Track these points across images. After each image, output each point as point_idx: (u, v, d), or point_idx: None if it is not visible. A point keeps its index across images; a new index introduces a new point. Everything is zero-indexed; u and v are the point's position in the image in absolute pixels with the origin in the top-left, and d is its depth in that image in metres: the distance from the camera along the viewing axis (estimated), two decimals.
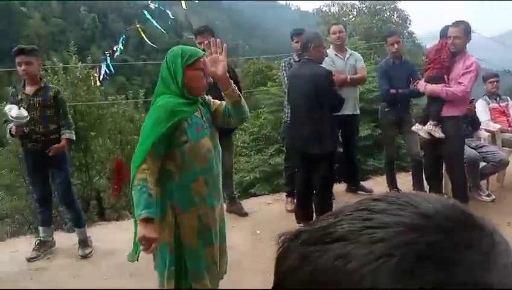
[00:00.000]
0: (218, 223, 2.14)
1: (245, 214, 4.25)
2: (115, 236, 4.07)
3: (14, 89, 3.70)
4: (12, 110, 3.28)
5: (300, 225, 3.82)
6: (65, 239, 3.93)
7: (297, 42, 4.25)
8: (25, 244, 3.84)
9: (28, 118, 3.34)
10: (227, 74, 2.05)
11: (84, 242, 3.69)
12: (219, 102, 2.25)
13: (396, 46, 4.45)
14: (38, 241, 3.67)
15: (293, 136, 3.85)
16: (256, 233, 3.86)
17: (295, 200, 4.26)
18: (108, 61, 7.43)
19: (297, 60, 4.23)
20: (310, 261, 0.36)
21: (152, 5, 6.00)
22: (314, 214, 3.81)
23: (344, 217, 0.39)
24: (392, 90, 4.37)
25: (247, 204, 4.61)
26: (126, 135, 8.12)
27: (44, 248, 3.67)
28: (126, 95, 9.16)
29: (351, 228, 0.36)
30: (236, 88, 2.10)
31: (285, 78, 4.16)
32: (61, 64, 8.07)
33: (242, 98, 2.11)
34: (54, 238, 3.81)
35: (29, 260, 3.53)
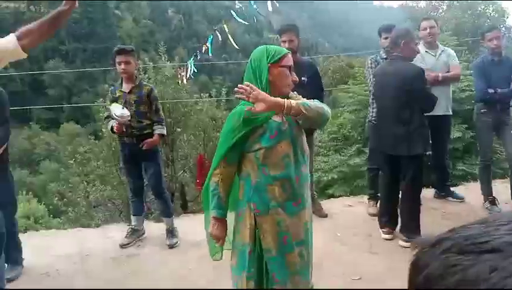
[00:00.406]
0: (303, 231, 2.03)
1: (325, 215, 4.19)
2: (197, 229, 4.22)
3: (112, 87, 3.98)
4: (117, 110, 3.55)
5: (384, 230, 3.68)
6: (154, 228, 4.18)
7: (385, 38, 4.08)
8: (118, 231, 4.14)
9: (130, 118, 3.60)
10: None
11: (171, 232, 3.89)
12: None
13: (495, 42, 4.09)
14: (130, 229, 3.95)
15: (379, 136, 3.70)
16: (336, 236, 3.78)
17: (378, 204, 4.12)
18: (194, 61, 7.74)
19: (385, 57, 4.07)
20: (457, 270, 0.34)
21: (238, 4, 6.11)
22: (399, 220, 3.64)
23: (499, 227, 0.35)
24: (490, 90, 4.02)
25: (327, 205, 4.54)
26: (209, 131, 8.44)
27: (136, 235, 3.93)
28: (210, 93, 9.50)
29: (510, 239, 0.33)
30: (294, 104, 1.88)
31: (372, 76, 4.01)
32: (151, 63, 8.60)
33: (306, 110, 1.88)
34: (144, 227, 4.07)
35: (122, 246, 3.80)
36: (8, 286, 3.13)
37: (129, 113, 3.59)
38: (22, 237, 3.56)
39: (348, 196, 5.62)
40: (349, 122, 8.24)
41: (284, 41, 3.94)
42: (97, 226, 5.00)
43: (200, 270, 3.31)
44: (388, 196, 3.72)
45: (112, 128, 3.70)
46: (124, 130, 3.67)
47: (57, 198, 8.74)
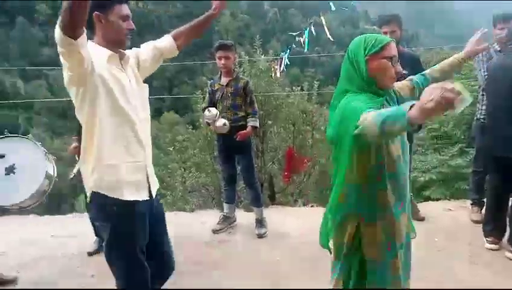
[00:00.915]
0: (405, 233, 1.91)
1: (422, 219, 3.95)
2: (286, 220, 4.29)
3: (211, 80, 4.14)
4: (218, 122, 3.74)
5: (488, 239, 3.36)
6: (244, 217, 4.31)
7: (501, 29, 3.69)
8: (211, 217, 4.34)
9: (228, 130, 3.75)
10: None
11: (260, 222, 3.99)
12: (404, 84, 2.06)
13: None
14: (222, 216, 4.12)
15: (489, 136, 3.36)
16: (433, 241, 3.55)
17: (483, 210, 3.77)
18: (288, 54, 7.78)
19: (499, 50, 3.68)
20: None
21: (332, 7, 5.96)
22: (508, 229, 3.29)
23: None
24: None
25: (424, 208, 4.28)
26: (299, 125, 8.42)
27: (227, 222, 4.10)
28: (301, 86, 9.46)
29: None
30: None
31: (483, 71, 3.66)
32: (247, 57, 8.80)
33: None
34: (235, 215, 4.22)
35: (215, 231, 3.99)
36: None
37: (228, 126, 3.74)
38: None
39: (448, 199, 5.22)
40: (452, 119, 7.65)
41: (386, 33, 3.75)
42: (191, 211, 5.29)
43: (287, 261, 3.35)
44: (496, 202, 3.38)
45: (207, 123, 3.90)
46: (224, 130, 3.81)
47: None
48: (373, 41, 1.79)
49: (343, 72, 1.86)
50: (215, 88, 3.95)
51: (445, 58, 2.31)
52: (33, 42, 75.71)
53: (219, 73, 4.01)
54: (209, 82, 4.21)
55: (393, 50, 1.81)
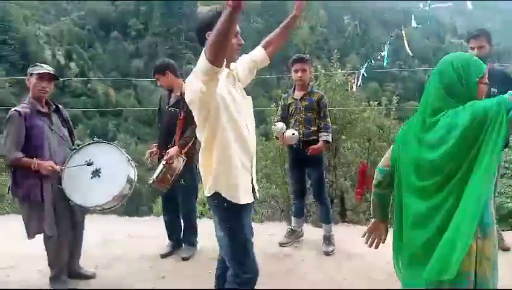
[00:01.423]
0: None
1: (507, 249, 3.61)
2: (355, 240, 4.14)
3: (285, 94, 4.17)
4: (287, 132, 3.76)
5: None
6: (311, 232, 4.25)
7: (472, 48, 3.45)
8: (279, 229, 4.35)
9: (297, 141, 3.76)
10: None
11: (328, 239, 3.91)
12: None
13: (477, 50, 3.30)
14: (289, 230, 4.11)
15: None
16: None
17: None
18: (365, 69, 7.61)
19: None
20: None
21: (424, 7, 5.71)
22: None
23: None
24: None
25: (508, 236, 3.91)
26: (375, 140, 8.15)
27: (294, 236, 4.08)
28: (379, 101, 9.18)
29: None
30: None
31: None
32: (323, 70, 8.75)
33: None
34: (303, 229, 4.18)
35: (281, 244, 3.99)
36: (183, 264, 3.63)
37: (297, 136, 3.75)
38: (198, 222, 4.05)
39: None
40: None
41: (473, 48, 3.54)
42: (261, 222, 5.34)
43: (353, 282, 3.24)
44: None
45: (276, 137, 3.91)
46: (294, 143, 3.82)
47: None
48: (480, 65, 1.76)
49: (445, 88, 1.74)
50: (289, 102, 3.97)
51: None
52: (124, 55, 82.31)
53: (293, 86, 4.03)
54: (283, 96, 4.25)
55: (486, 75, 1.78)
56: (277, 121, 3.95)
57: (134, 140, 44.46)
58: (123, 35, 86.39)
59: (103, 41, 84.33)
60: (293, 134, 3.72)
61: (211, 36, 1.80)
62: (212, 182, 2.13)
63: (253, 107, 2.39)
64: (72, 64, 73.02)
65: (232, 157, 2.11)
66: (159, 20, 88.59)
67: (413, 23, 5.64)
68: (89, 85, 65.15)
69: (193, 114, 2.11)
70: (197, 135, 2.20)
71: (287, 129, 3.78)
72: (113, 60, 78.29)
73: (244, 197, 2.17)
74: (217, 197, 2.14)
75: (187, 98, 2.08)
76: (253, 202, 2.29)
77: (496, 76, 3.46)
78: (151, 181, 3.54)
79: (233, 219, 2.18)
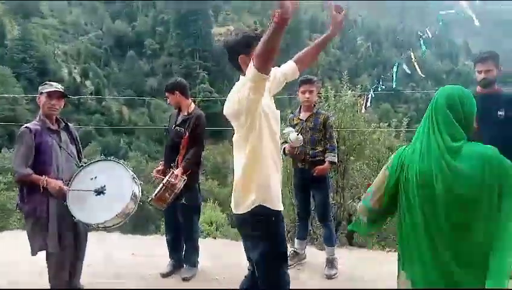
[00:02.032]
0: None
1: None
2: (359, 263, 4.09)
3: (292, 114, 4.19)
4: (291, 134, 3.74)
5: None
6: (314, 255, 4.20)
7: (480, 72, 3.42)
8: None
9: (302, 143, 3.74)
10: None
11: (331, 262, 3.85)
12: None
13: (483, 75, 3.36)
14: (292, 252, 4.06)
15: None
16: None
17: None
18: (374, 90, 7.62)
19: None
20: None
21: (428, 33, 5.75)
22: None
23: None
24: None
25: None
26: (384, 162, 8.07)
27: (297, 258, 4.03)
28: (389, 123, 9.15)
29: None
30: None
31: None
32: (332, 91, 8.77)
33: None
34: (306, 252, 4.13)
35: None
36: (183, 285, 3.61)
37: (302, 138, 3.72)
38: (201, 242, 4.04)
39: None
40: None
41: (480, 72, 3.49)
42: None
43: None
44: None
45: (284, 149, 3.88)
46: (297, 153, 3.81)
47: None
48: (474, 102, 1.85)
49: (450, 119, 1.79)
50: (295, 122, 3.99)
51: None
52: (140, 73, 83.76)
53: (299, 107, 4.05)
54: (289, 116, 4.27)
55: None
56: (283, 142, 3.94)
57: (145, 158, 44.78)
58: (139, 55, 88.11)
59: (119, 60, 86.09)
60: (298, 137, 3.69)
61: (258, 46, 1.91)
62: (255, 196, 2.16)
63: None
64: (88, 82, 74.57)
65: (273, 168, 2.22)
66: (174, 40, 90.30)
67: (422, 47, 5.65)
68: (103, 103, 66.26)
69: (235, 127, 2.18)
70: (237, 149, 2.24)
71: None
72: (128, 79, 79.66)
73: (280, 204, 2.27)
74: (262, 210, 2.17)
75: (233, 110, 2.14)
76: None
77: (504, 100, 3.43)
78: (149, 199, 3.56)
79: (279, 228, 2.25)
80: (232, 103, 2.13)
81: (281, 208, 2.26)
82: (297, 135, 3.72)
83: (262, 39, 1.90)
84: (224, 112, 2.22)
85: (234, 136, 2.25)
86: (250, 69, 1.97)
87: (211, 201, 16.14)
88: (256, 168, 2.16)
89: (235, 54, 2.20)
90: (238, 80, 2.26)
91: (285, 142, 3.86)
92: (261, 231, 2.21)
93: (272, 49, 1.90)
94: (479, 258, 1.70)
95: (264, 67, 1.94)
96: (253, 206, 2.17)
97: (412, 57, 6.30)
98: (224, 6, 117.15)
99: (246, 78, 2.02)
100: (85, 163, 3.27)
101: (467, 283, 1.72)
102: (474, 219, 1.70)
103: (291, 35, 76.12)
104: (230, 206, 2.36)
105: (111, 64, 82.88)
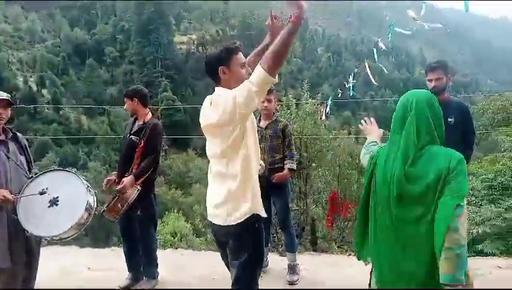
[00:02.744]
0: None
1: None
2: (322, 268, 4.13)
3: None
4: None
5: None
6: (277, 262, 4.20)
7: (430, 80, 3.59)
8: None
9: (263, 170, 3.72)
10: None
11: (292, 268, 3.85)
12: None
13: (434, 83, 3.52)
14: None
15: None
16: None
17: None
18: (332, 99, 7.81)
19: None
20: None
21: (381, 44, 5.97)
22: None
23: None
24: None
25: (473, 263, 3.96)
26: (344, 168, 8.27)
27: None
28: (349, 130, 9.41)
29: None
30: None
31: None
32: (294, 100, 8.91)
33: None
34: (268, 259, 4.12)
35: None
36: None
37: (263, 167, 3.61)
38: (163, 253, 3.95)
39: (502, 256, 4.82)
40: (510, 169, 7.17)
41: (431, 80, 3.67)
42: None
43: None
44: None
45: None
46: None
47: (199, 219, 9.52)
48: None
49: (421, 119, 1.91)
50: None
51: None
52: (99, 82, 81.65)
53: (258, 116, 4.07)
54: None
55: None
56: None
57: (106, 168, 43.51)
58: (99, 63, 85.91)
59: (78, 68, 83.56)
60: (260, 165, 3.71)
61: (271, 49, 1.97)
62: (251, 204, 2.17)
63: None
64: (44, 91, 71.80)
65: (255, 175, 2.26)
66: (135, 49, 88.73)
67: (375, 57, 5.88)
68: (61, 112, 63.99)
69: (218, 138, 2.16)
70: (220, 161, 2.21)
71: None
72: (87, 87, 77.43)
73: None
74: (254, 219, 2.18)
75: (219, 120, 2.12)
76: None
77: (453, 108, 3.60)
78: (102, 210, 3.44)
79: (263, 235, 2.25)
80: (220, 113, 2.11)
81: (265, 214, 2.30)
82: (260, 163, 3.71)
83: (275, 42, 1.95)
84: (206, 124, 2.22)
85: (213, 148, 2.23)
86: (259, 73, 1.99)
87: (175, 211, 15.93)
88: (250, 176, 2.19)
89: (215, 66, 2.21)
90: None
91: None
92: (251, 240, 2.20)
93: (286, 51, 1.95)
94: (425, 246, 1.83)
95: (275, 70, 1.99)
96: (248, 215, 2.16)
97: (367, 66, 6.52)
98: (186, 15, 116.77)
99: (252, 81, 2.02)
100: (35, 174, 3.13)
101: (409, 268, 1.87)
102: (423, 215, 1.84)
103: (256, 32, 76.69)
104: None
105: (69, 73, 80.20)
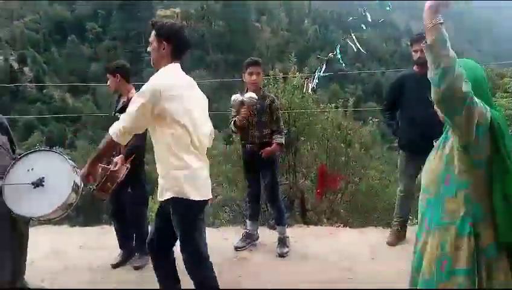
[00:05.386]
0: None
1: None
2: (312, 240, 4.19)
3: (237, 94, 4.12)
4: (246, 95, 3.67)
5: None
6: (268, 235, 4.25)
7: (415, 51, 3.65)
8: (235, 234, 4.31)
9: (257, 100, 3.68)
10: None
11: (282, 241, 3.91)
12: None
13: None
14: (245, 233, 4.09)
15: None
16: None
17: None
18: (321, 72, 7.74)
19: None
20: None
21: (368, 17, 5.90)
22: None
23: None
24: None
25: None
26: (333, 141, 8.29)
27: (250, 239, 4.06)
28: (336, 104, 9.38)
29: None
30: None
31: None
32: (281, 74, 8.82)
33: None
34: (259, 232, 4.17)
35: (237, 248, 3.96)
36: (135, 274, 3.54)
37: (257, 97, 3.66)
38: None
39: None
40: None
41: (416, 51, 3.69)
42: (215, 227, 5.27)
43: (305, 284, 3.25)
44: None
45: (234, 122, 3.79)
46: (251, 112, 3.72)
47: None
48: None
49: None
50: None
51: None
52: (82, 59, 79.79)
53: (245, 90, 4.01)
54: (234, 96, 4.20)
55: None
56: (232, 122, 3.89)
57: (94, 146, 43.06)
58: (81, 39, 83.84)
59: (59, 45, 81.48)
60: (251, 97, 3.65)
61: None
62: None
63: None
64: (26, 69, 70.15)
65: None
66: (118, 24, 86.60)
67: (363, 26, 5.82)
68: (44, 91, 62.77)
69: None
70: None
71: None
72: (70, 64, 75.75)
73: None
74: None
75: None
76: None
77: None
78: (91, 189, 3.41)
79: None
80: None
81: None
82: (250, 95, 3.65)
83: None
84: None
85: None
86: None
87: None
88: None
89: None
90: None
91: (235, 115, 3.78)
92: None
93: None
94: None
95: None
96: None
97: (353, 38, 6.46)
98: None
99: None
100: (19, 155, 3.08)
101: None
102: None
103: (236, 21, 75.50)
104: None
105: (51, 50, 78.27)
